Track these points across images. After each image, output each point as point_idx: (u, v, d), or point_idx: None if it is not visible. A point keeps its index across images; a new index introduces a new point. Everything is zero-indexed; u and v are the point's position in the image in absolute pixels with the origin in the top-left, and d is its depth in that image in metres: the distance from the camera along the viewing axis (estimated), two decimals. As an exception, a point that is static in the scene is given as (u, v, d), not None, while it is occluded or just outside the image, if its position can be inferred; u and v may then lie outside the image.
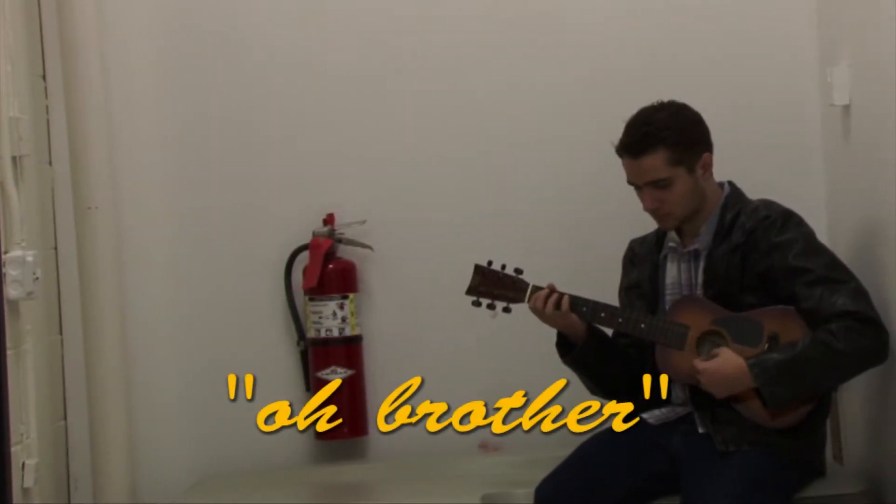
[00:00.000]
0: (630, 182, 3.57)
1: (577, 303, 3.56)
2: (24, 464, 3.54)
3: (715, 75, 4.19)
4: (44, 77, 4.11)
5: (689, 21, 4.23)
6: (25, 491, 3.54)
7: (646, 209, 3.58)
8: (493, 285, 3.62)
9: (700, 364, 3.46)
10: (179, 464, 4.27)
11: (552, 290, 3.57)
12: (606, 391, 3.70)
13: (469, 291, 3.63)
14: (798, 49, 4.17)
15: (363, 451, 4.28)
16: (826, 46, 4.07)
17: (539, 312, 3.58)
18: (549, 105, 4.24)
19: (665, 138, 3.50)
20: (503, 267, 3.61)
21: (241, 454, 4.27)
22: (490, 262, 3.63)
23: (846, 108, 3.82)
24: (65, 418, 4.13)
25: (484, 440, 4.22)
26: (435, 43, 4.27)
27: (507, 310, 3.63)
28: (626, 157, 3.56)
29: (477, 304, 3.64)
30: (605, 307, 3.58)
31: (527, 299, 3.59)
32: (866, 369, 3.47)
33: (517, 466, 4.01)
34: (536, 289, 3.58)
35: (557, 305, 3.55)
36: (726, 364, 3.44)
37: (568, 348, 3.65)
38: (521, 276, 3.61)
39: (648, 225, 3.71)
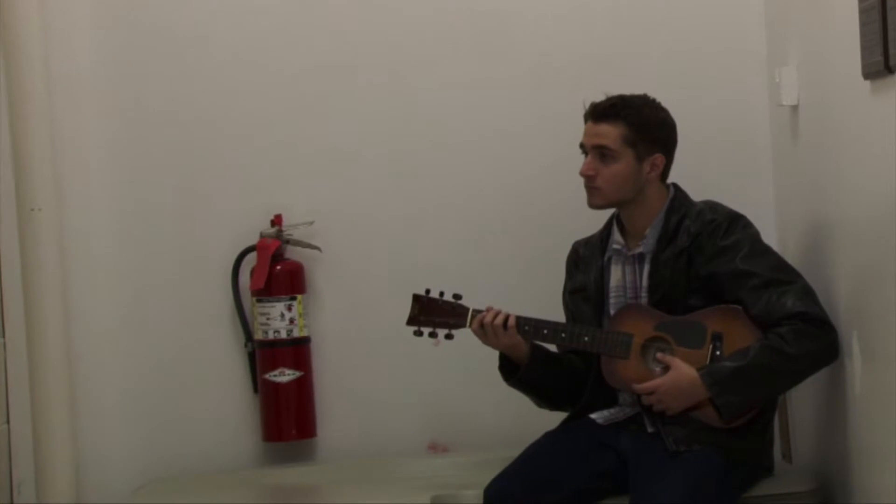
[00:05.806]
0: (581, 145, 3.60)
1: (518, 323, 3.56)
2: (-35, 468, 3.51)
3: (662, 75, 4.18)
4: (-15, 77, 4.06)
5: (637, 20, 4.22)
6: (-32, 495, 3.51)
7: (581, 173, 3.59)
8: (433, 313, 3.62)
9: (652, 383, 3.46)
10: (125, 466, 4.23)
11: (495, 312, 3.57)
12: (552, 404, 3.72)
13: (410, 322, 3.64)
14: (746, 49, 4.18)
15: (311, 453, 4.26)
16: (774, 47, 4.08)
17: (482, 335, 3.58)
18: (497, 103, 4.22)
19: (627, 116, 3.55)
20: (441, 294, 3.61)
21: (187, 456, 4.23)
22: (428, 291, 3.63)
23: (794, 108, 3.83)
24: (7, 422, 4.07)
25: (433, 441, 4.21)
26: (381, 41, 4.24)
27: (449, 336, 3.63)
28: (588, 120, 3.60)
29: (419, 333, 3.64)
30: (547, 324, 3.57)
31: (468, 324, 3.59)
32: (819, 370, 3.49)
33: (466, 467, 3.99)
34: (476, 312, 3.58)
35: (504, 325, 3.54)
36: (679, 378, 3.43)
37: (512, 370, 3.64)
38: (460, 302, 3.61)
39: (595, 223, 3.72)
